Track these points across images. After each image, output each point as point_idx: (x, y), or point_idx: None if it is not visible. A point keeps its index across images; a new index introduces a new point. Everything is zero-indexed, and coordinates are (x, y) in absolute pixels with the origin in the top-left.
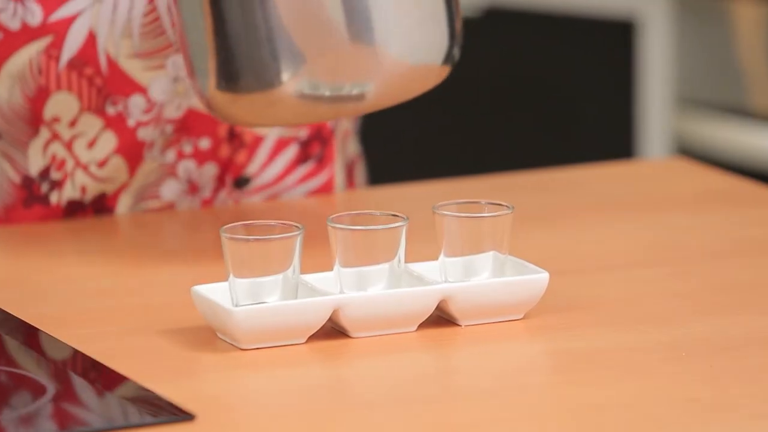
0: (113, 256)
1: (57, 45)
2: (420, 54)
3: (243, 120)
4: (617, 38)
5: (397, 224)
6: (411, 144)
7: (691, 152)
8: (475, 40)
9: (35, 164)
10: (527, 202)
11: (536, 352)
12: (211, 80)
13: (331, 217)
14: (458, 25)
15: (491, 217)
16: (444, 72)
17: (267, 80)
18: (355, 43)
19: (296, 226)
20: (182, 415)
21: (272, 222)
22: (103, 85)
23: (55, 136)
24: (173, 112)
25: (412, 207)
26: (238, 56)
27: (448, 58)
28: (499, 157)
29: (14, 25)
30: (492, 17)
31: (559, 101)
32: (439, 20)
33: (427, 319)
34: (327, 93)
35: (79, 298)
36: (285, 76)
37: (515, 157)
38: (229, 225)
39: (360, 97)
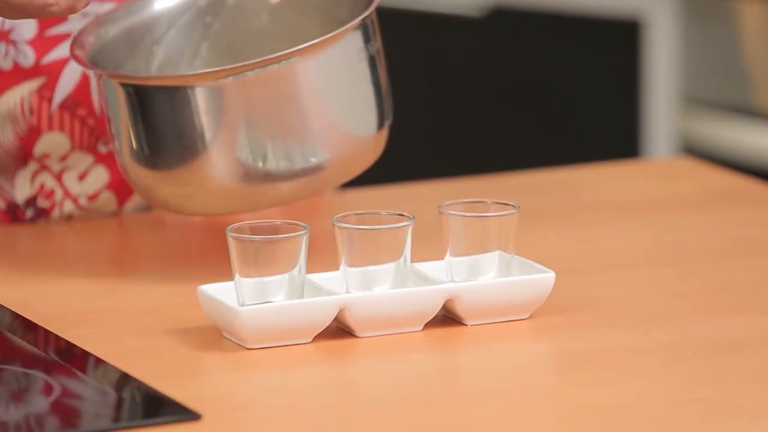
0: (118, 256)
1: (50, 86)
2: (350, 136)
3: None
4: (623, 38)
5: (403, 224)
6: (415, 144)
7: (696, 152)
8: (480, 40)
9: (22, 192)
10: (532, 202)
11: (541, 352)
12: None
13: (337, 216)
14: (388, 103)
15: (497, 217)
16: (380, 139)
17: (192, 150)
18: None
19: (302, 226)
20: (188, 415)
21: (278, 221)
22: (96, 125)
23: (44, 168)
24: None
25: (417, 206)
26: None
27: (379, 127)
28: (503, 157)
29: (6, 65)
30: (497, 17)
31: (564, 101)
32: (369, 105)
33: (432, 319)
34: (255, 159)
35: (84, 297)
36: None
37: (520, 156)
38: (235, 224)
39: (293, 175)
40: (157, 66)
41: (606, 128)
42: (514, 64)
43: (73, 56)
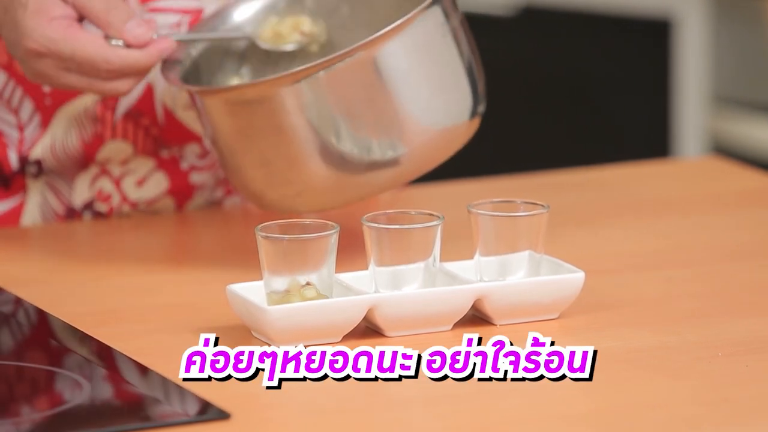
0: (149, 255)
1: (114, 96)
2: (445, 119)
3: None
4: (653, 37)
5: (432, 223)
6: None
7: (726, 151)
8: (511, 39)
9: (80, 196)
10: (562, 202)
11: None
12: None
13: (367, 216)
14: (481, 84)
15: (527, 217)
16: (472, 127)
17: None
18: (381, 117)
19: (331, 225)
20: (218, 413)
21: (307, 221)
22: (159, 134)
23: (105, 172)
24: None
25: (447, 206)
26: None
27: (473, 114)
28: (532, 156)
29: None
30: (528, 16)
31: (594, 100)
32: (461, 84)
33: (462, 319)
34: (355, 151)
35: (114, 296)
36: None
37: (550, 155)
38: (265, 224)
39: (392, 163)
40: (248, 78)
41: (636, 127)
42: (544, 63)
43: (167, 79)
